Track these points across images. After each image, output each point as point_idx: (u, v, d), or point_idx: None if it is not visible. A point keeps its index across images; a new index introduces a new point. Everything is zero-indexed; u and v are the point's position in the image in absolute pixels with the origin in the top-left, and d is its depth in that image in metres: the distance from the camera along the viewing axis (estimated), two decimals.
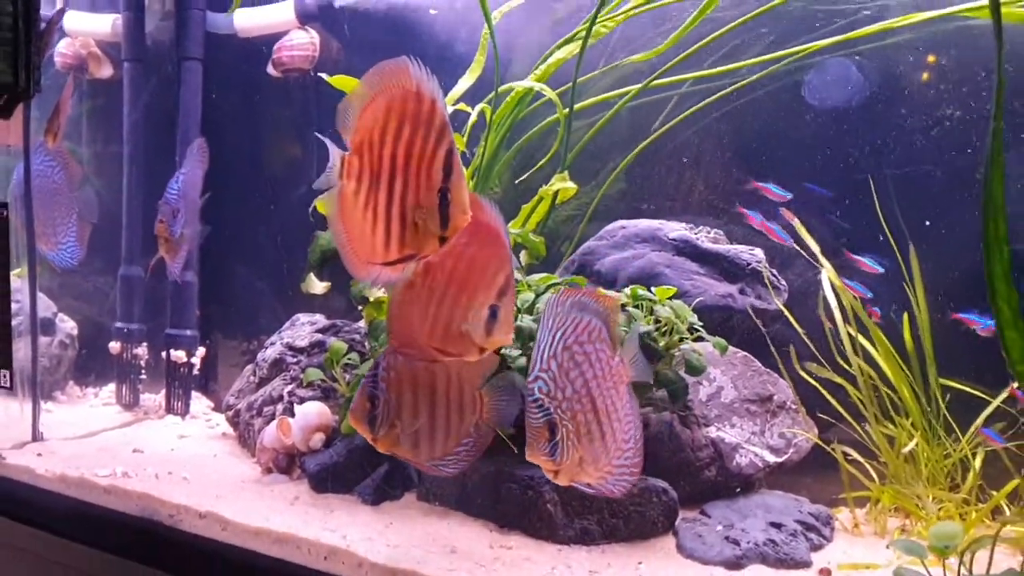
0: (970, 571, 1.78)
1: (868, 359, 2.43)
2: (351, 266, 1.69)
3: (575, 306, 1.66)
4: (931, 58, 2.47)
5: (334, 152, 1.67)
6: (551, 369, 1.61)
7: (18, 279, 2.88)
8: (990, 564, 1.81)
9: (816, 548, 2.22)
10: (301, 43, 3.29)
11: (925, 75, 2.48)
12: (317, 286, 2.88)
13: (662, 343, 2.32)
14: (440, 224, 1.61)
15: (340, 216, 1.68)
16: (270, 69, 3.36)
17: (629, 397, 1.72)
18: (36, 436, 2.98)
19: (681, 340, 2.35)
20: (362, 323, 2.87)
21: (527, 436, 1.62)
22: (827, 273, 2.47)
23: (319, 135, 1.72)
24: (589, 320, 1.65)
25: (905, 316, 2.41)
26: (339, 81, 2.59)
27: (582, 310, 1.65)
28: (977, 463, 2.22)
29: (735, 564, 2.09)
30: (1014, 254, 1.39)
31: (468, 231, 1.66)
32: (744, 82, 2.61)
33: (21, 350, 2.90)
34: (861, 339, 2.42)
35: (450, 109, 2.63)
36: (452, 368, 1.80)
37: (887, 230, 2.46)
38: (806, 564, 2.12)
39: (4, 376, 2.88)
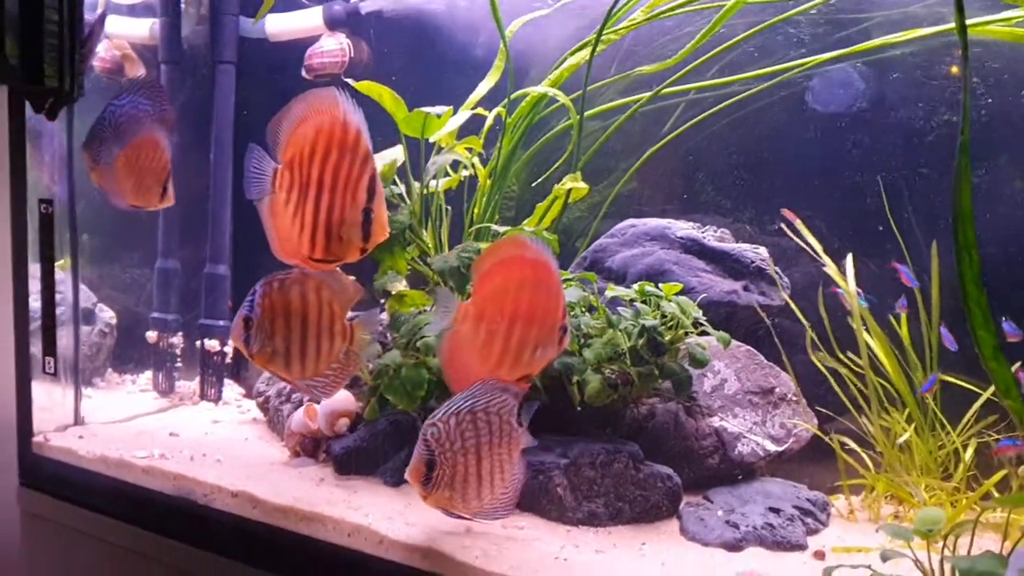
0: (953, 553, 1.88)
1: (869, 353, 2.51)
2: (279, 256, 1.97)
3: (497, 387, 1.92)
4: (950, 68, 2.55)
5: (267, 163, 1.90)
6: (448, 423, 1.88)
7: (60, 271, 2.98)
8: (971, 547, 1.91)
9: (812, 532, 2.30)
10: (331, 50, 3.38)
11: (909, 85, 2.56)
12: None
13: (668, 337, 2.41)
14: (363, 238, 1.88)
15: (272, 221, 1.94)
16: (303, 73, 3.45)
17: (520, 457, 2.01)
18: (78, 420, 3.08)
19: (686, 334, 2.45)
20: (384, 315, 2.92)
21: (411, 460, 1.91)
22: (832, 270, 2.56)
23: (253, 144, 1.92)
24: (506, 398, 1.91)
25: (904, 315, 2.49)
26: (364, 87, 2.70)
27: (504, 391, 1.91)
28: (968, 454, 2.32)
29: (734, 546, 2.18)
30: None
31: (522, 272, 1.87)
32: (751, 91, 2.69)
33: (63, 338, 2.99)
34: (863, 335, 2.51)
35: (468, 114, 2.73)
36: (324, 298, 2.01)
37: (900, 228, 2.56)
38: (802, 547, 2.20)
39: (49, 363, 3.01)
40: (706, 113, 2.76)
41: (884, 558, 1.82)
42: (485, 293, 1.88)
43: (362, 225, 1.88)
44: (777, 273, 2.77)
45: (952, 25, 2.36)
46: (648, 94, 2.69)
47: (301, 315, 1.99)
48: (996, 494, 2.29)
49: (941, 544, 1.88)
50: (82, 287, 3.45)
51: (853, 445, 2.50)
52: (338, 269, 2.07)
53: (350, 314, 2.08)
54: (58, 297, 2.98)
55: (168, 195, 2.35)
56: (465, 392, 1.92)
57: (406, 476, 1.93)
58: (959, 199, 1.45)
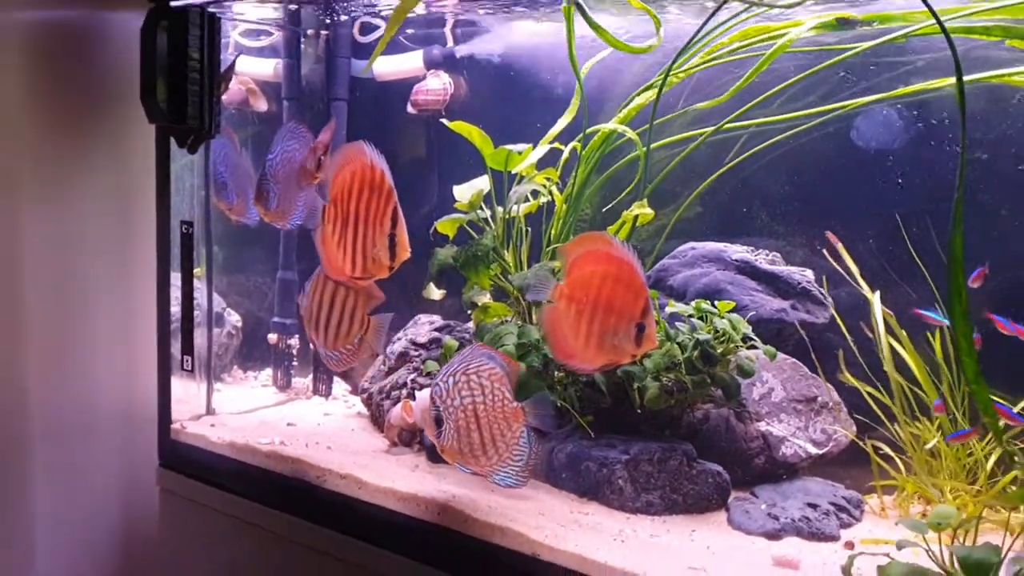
0: (963, 544, 2.12)
1: (905, 367, 2.70)
2: (328, 274, 2.44)
3: (483, 354, 2.21)
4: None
5: (318, 200, 2.37)
6: (447, 382, 2.19)
7: (196, 279, 3.28)
8: (975, 539, 2.14)
9: (846, 526, 2.52)
10: (435, 89, 3.63)
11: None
12: (436, 293, 3.22)
13: (720, 349, 2.67)
14: (390, 258, 2.30)
15: (322, 247, 2.39)
16: (409, 108, 3.71)
17: (527, 434, 2.24)
18: (209, 410, 3.35)
19: (736, 347, 2.71)
20: (471, 324, 3.21)
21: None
22: (870, 296, 2.78)
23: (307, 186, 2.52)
24: (493, 366, 2.20)
25: (938, 332, 2.70)
26: (456, 126, 3.00)
27: (490, 359, 2.21)
28: (990, 462, 2.53)
29: (774, 535, 2.41)
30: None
31: (606, 266, 2.12)
32: (802, 127, 2.89)
33: (198, 339, 3.30)
34: (899, 349, 2.73)
35: (547, 148, 3.02)
36: (350, 294, 2.49)
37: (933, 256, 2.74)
38: (834, 538, 2.42)
39: (187, 361, 3.29)
40: (761, 146, 2.94)
41: (900, 547, 2.03)
42: (575, 276, 2.13)
43: (388, 248, 2.30)
44: (821, 294, 2.97)
45: (1001, 73, 2.53)
46: (709, 129, 2.91)
47: (331, 304, 2.50)
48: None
49: (953, 537, 2.13)
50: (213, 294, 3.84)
51: (888, 450, 2.71)
52: None
53: None
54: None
55: (322, 166, 2.63)
56: (459, 355, 2.25)
57: (425, 432, 2.26)
58: (953, 245, 1.72)
